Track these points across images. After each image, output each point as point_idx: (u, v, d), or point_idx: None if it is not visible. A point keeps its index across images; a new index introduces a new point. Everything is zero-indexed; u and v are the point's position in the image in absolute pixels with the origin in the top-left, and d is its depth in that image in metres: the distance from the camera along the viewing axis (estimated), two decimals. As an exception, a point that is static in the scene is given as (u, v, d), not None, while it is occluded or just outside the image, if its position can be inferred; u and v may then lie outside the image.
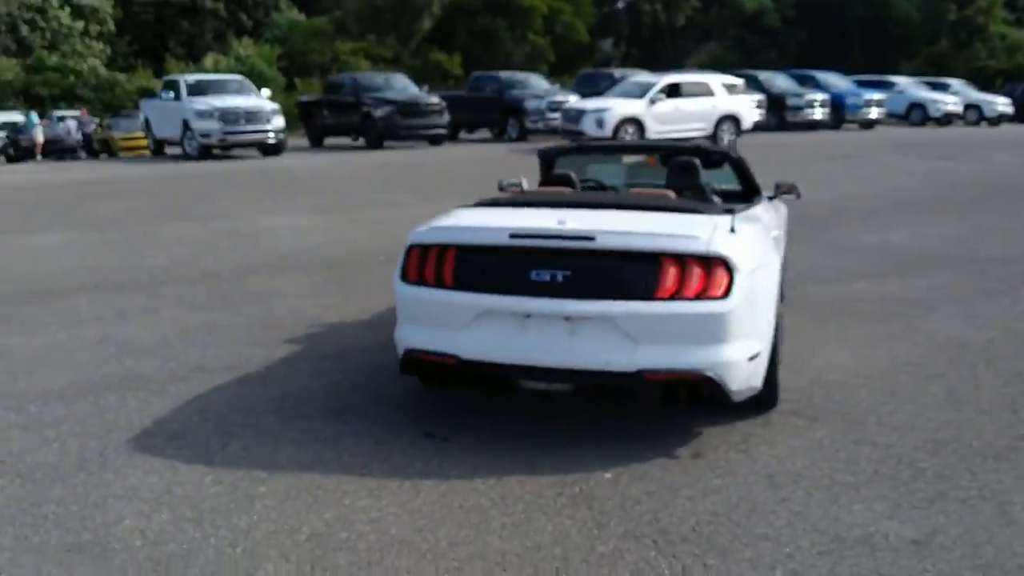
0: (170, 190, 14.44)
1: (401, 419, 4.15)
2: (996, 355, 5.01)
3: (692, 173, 4.81)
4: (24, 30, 44.42)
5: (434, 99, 21.74)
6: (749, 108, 21.00)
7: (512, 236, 3.65)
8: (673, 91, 19.64)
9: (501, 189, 5.42)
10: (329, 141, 23.80)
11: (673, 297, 3.44)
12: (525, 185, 5.39)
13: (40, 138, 24.54)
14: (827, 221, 9.66)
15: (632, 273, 3.50)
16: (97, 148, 27.04)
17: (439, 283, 3.72)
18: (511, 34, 43.65)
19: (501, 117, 23.50)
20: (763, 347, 3.71)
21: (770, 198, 5.21)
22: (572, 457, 3.67)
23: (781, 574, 2.79)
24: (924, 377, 4.64)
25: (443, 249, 3.75)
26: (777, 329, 4.02)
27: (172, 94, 20.61)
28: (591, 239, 3.54)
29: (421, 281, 3.77)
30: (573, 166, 5.50)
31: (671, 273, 3.45)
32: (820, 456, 3.66)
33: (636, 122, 18.87)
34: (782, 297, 4.43)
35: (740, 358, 3.54)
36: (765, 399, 3.95)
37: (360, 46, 43.15)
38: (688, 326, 3.44)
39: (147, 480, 3.54)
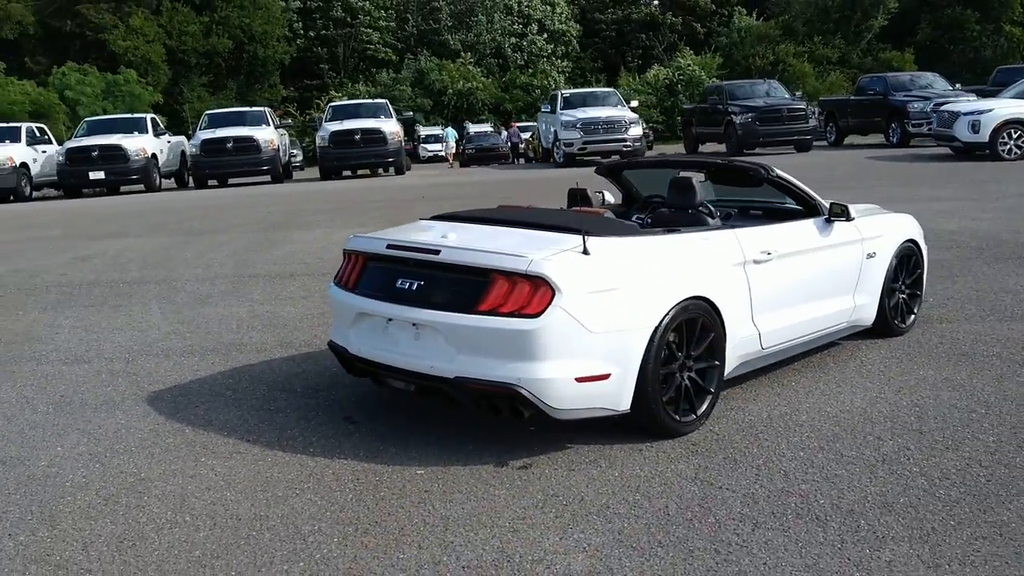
0: (504, 191, 15.88)
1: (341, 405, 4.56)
2: None
3: (687, 191, 4.65)
4: (507, 52, 51.34)
5: (799, 105, 20.63)
6: None
7: (387, 247, 4.05)
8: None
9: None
10: (703, 148, 23.91)
11: (491, 312, 3.57)
12: (608, 198, 5.42)
13: (453, 148, 29.01)
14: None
15: (464, 286, 3.68)
16: (531, 155, 30.56)
17: (346, 285, 4.24)
18: (980, 27, 38.42)
19: (885, 121, 21.27)
20: (618, 370, 3.67)
21: (827, 220, 4.94)
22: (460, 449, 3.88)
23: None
24: (876, 437, 3.80)
25: (356, 256, 4.27)
26: (711, 353, 4.06)
27: (550, 107, 22.59)
28: (436, 252, 3.81)
29: (339, 282, 4.30)
30: (654, 181, 5.52)
31: (498, 288, 3.58)
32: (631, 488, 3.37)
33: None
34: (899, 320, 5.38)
35: (559, 377, 3.56)
36: (651, 426, 3.89)
37: (803, 49, 41.71)
38: (499, 340, 3.55)
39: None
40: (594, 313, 3.63)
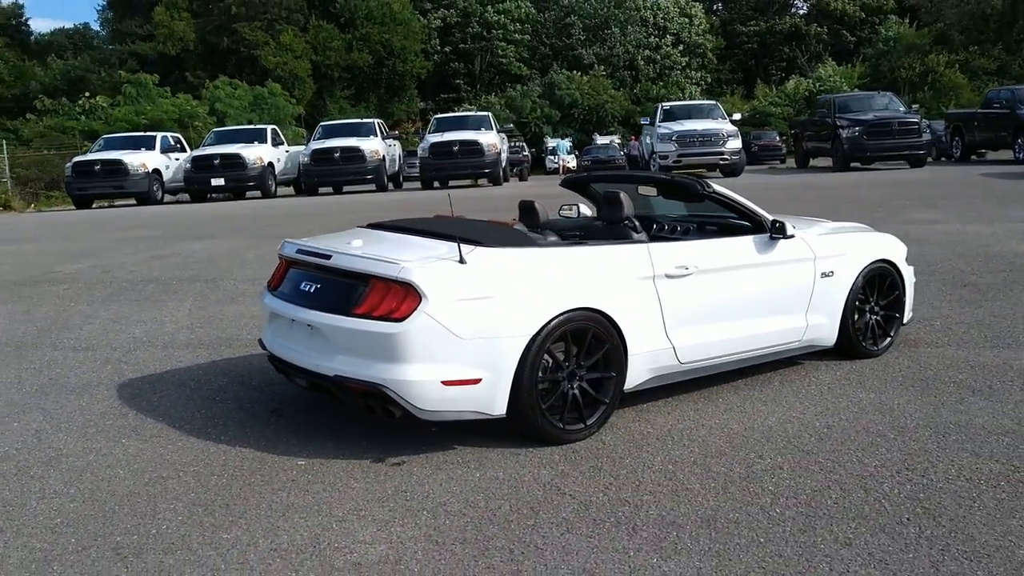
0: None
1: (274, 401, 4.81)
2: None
3: (615, 206, 4.70)
4: (639, 65, 51.15)
5: (912, 118, 19.63)
6: None
7: (297, 252, 4.33)
8: None
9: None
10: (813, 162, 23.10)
11: (366, 315, 3.75)
12: (584, 211, 5.51)
13: (568, 163, 28.96)
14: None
15: (348, 290, 3.88)
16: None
17: (270, 287, 4.52)
18: None
19: (1011, 135, 19.92)
20: (489, 376, 3.79)
21: (771, 237, 4.86)
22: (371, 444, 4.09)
23: None
24: (759, 455, 3.80)
25: (281, 259, 4.61)
26: (606, 364, 4.11)
27: (650, 119, 22.44)
28: (328, 258, 4.05)
29: (268, 284, 4.62)
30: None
31: (375, 293, 3.76)
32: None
33: None
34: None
35: (425, 379, 3.71)
36: (530, 432, 3.99)
37: (957, 58, 39.40)
38: (370, 342, 3.75)
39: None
40: (463, 320, 3.75)
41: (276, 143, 23.54)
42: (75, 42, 64.91)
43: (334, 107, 53.41)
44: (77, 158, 22.23)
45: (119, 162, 21.35)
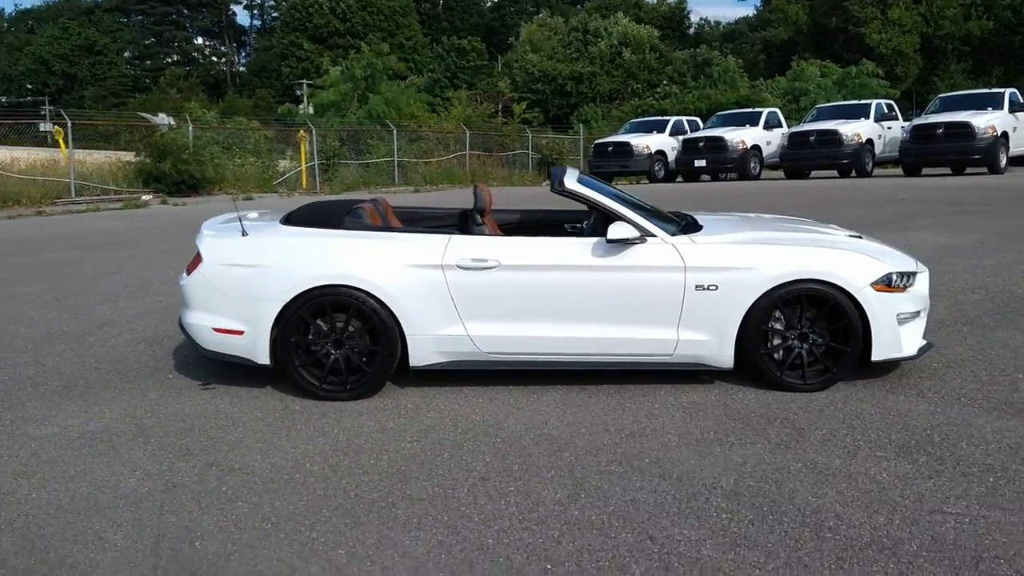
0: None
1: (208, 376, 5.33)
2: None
3: (476, 199, 5.17)
4: None
5: None
6: None
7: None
8: None
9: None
10: None
11: (189, 272, 4.93)
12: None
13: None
14: None
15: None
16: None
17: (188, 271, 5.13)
18: None
19: None
20: (251, 330, 4.67)
21: (609, 241, 4.67)
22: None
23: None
24: (502, 455, 4.36)
25: None
26: (374, 339, 4.68)
27: None
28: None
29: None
30: None
31: (195, 257, 4.90)
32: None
33: None
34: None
35: (202, 324, 4.81)
36: (292, 381, 4.78)
37: None
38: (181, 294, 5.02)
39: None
40: (231, 282, 4.72)
41: (880, 119, 21.77)
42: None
43: (943, 84, 49.17)
44: (601, 140, 25.51)
45: (627, 144, 24.00)
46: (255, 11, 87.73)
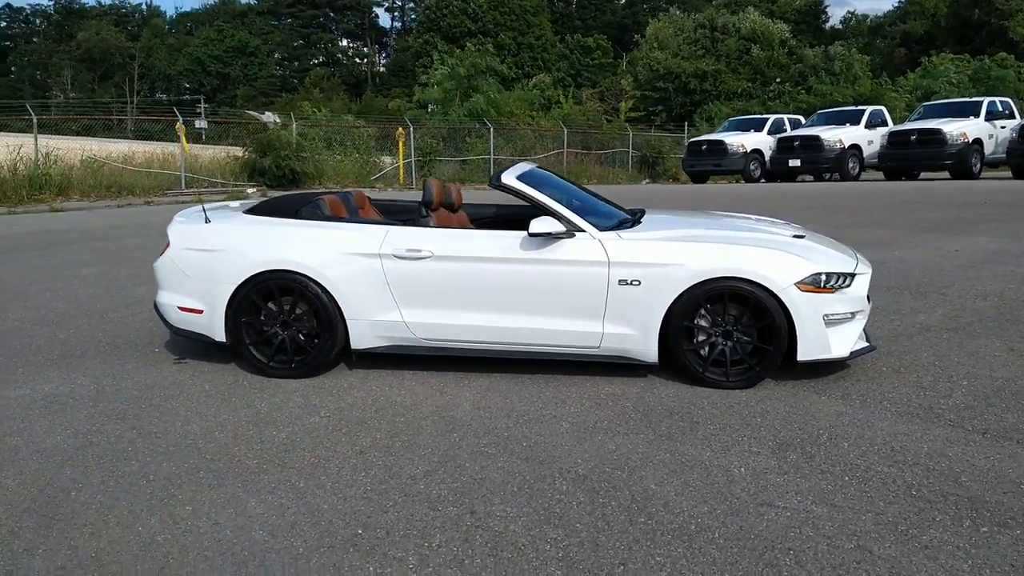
0: None
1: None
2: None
3: (423, 192, 5.42)
4: None
5: None
6: None
7: None
8: None
9: None
10: None
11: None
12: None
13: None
14: None
15: None
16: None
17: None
18: None
19: None
20: (208, 310, 5.10)
21: (530, 235, 4.79)
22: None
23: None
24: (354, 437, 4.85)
25: None
26: (318, 322, 5.02)
27: None
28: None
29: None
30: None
31: (167, 243, 5.38)
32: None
33: None
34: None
35: (169, 303, 5.27)
36: (246, 360, 5.17)
37: None
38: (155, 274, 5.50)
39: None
40: (192, 265, 5.18)
41: (992, 117, 20.69)
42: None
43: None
44: (695, 139, 25.16)
45: (721, 143, 23.61)
46: (395, 13, 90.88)
